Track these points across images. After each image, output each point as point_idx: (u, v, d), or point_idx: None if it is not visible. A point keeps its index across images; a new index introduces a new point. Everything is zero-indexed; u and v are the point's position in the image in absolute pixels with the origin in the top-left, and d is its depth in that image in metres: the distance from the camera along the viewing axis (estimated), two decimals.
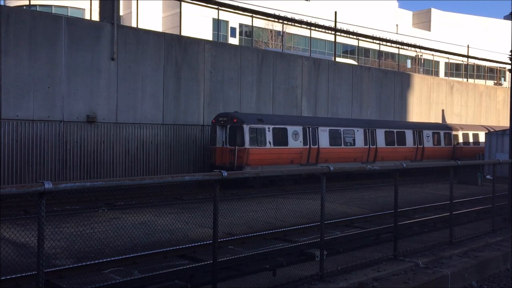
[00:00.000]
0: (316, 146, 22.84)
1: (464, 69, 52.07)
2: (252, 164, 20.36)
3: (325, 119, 26.47)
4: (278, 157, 21.25)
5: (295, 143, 22.04)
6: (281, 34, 43.09)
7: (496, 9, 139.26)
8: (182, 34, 25.27)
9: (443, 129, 30.36)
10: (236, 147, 20.39)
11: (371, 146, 25.34)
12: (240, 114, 21.71)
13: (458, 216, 13.29)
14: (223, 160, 20.89)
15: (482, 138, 32.48)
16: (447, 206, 11.74)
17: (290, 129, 21.98)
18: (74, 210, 14.78)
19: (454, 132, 30.94)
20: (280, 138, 21.68)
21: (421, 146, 28.33)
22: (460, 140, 31.20)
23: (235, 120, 20.81)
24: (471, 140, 32.16)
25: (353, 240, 11.16)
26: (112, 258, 8.85)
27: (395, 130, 26.98)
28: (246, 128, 20.49)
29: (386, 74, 34.02)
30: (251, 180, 20.42)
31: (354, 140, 24.65)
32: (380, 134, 25.97)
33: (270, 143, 21.12)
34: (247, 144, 20.38)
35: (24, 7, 34.91)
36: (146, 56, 21.83)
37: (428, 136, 28.75)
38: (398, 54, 43.03)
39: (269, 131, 21.14)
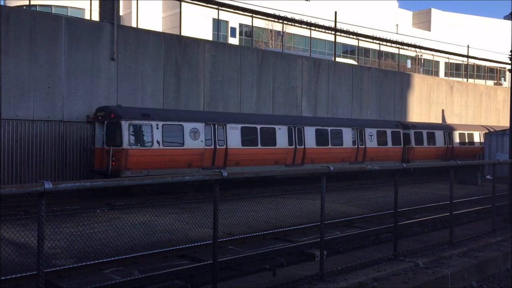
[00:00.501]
0: (224, 147, 19.77)
1: (464, 69, 52.08)
2: (133, 168, 17.22)
3: (237, 115, 22.62)
4: (171, 160, 18.23)
5: (194, 142, 18.89)
6: (281, 34, 43.09)
7: (496, 9, 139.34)
8: (182, 34, 25.28)
9: (391, 127, 26.97)
10: (111, 147, 17.31)
11: (298, 147, 22.14)
12: (119, 108, 18.62)
13: (458, 216, 13.29)
14: (102, 163, 17.89)
15: (440, 138, 29.60)
16: (447, 206, 11.75)
17: (188, 126, 18.81)
18: (74, 210, 14.77)
19: (405, 131, 27.72)
20: (174, 137, 18.54)
21: (363, 146, 25.14)
22: (413, 140, 27.91)
23: (112, 115, 17.77)
24: (426, 140, 28.70)
25: (353, 240, 11.17)
26: (112, 258, 8.85)
27: (329, 128, 23.71)
28: (124, 124, 17.35)
29: (386, 74, 34.02)
30: (135, 188, 17.41)
31: (275, 139, 21.40)
32: (310, 133, 22.79)
33: (158, 142, 17.94)
34: (125, 144, 17.27)
35: (24, 7, 34.91)
36: (146, 56, 21.83)
37: (371, 135, 25.51)
38: (398, 54, 43.03)
39: (157, 128, 17.94)
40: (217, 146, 19.65)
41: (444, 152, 29.83)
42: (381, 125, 26.99)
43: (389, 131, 26.72)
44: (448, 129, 30.76)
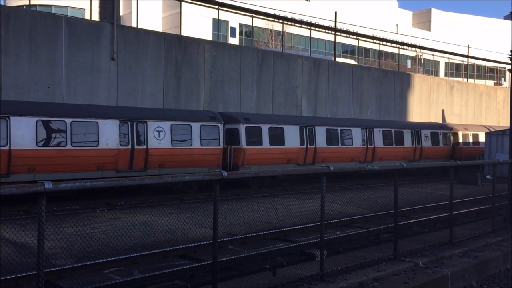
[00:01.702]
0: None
1: (464, 69, 52.06)
2: None
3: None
4: None
5: None
6: (281, 34, 43.08)
7: (496, 9, 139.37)
8: (182, 34, 25.28)
9: (200, 121, 19.39)
10: None
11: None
12: None
13: (458, 216, 13.30)
14: None
15: (294, 136, 22.04)
16: (447, 206, 11.75)
17: None
18: (74, 210, 14.77)
19: (230, 126, 20.55)
20: None
21: (143, 147, 17.89)
22: (243, 138, 20.51)
23: None
24: (268, 139, 21.27)
25: (353, 240, 11.16)
26: (112, 258, 8.85)
27: (68, 120, 16.27)
28: None
29: (386, 74, 34.02)
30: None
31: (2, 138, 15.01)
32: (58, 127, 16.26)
33: None
34: None
35: (24, 7, 34.90)
36: (146, 56, 21.83)
37: (160, 132, 18.28)
38: (398, 54, 43.02)
39: None
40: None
41: (303, 154, 22.39)
42: (181, 117, 19.22)
43: (196, 126, 19.14)
44: (308, 125, 22.94)
